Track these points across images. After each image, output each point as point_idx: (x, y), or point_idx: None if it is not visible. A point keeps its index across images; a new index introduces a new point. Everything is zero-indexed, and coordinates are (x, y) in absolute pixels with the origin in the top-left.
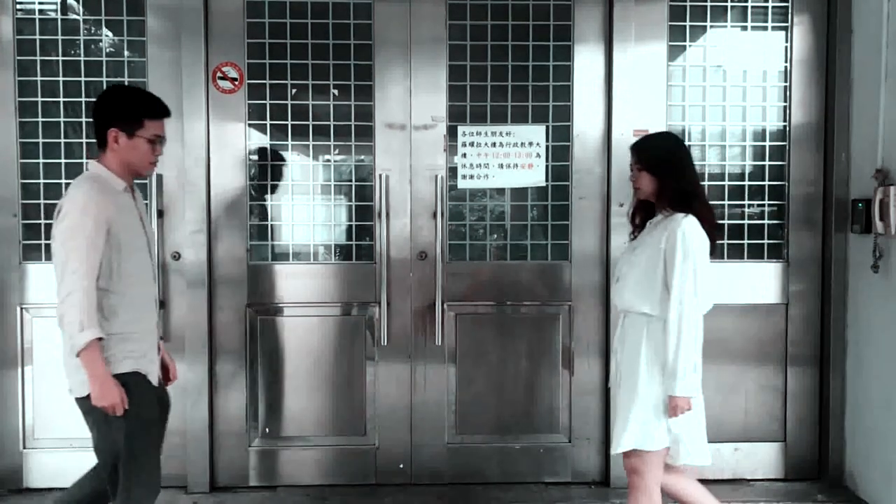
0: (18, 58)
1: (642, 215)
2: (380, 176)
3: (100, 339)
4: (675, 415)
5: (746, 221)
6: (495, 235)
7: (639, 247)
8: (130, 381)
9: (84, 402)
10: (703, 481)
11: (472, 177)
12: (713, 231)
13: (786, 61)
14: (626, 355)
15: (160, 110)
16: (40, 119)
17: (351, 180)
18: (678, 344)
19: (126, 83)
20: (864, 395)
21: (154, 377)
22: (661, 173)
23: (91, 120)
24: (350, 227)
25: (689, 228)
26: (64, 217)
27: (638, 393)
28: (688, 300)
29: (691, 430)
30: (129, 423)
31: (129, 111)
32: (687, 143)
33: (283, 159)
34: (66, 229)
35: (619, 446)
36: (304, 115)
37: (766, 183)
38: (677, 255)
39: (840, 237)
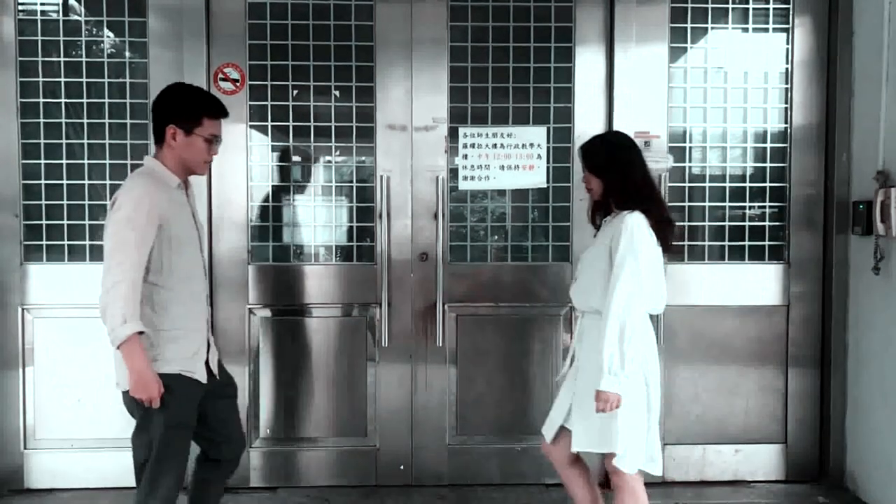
0: (20, 59)
1: (601, 215)
2: (381, 177)
3: (141, 332)
4: (602, 409)
5: (747, 223)
6: (496, 236)
7: (591, 247)
8: (174, 383)
9: (129, 397)
10: (704, 483)
11: (472, 178)
12: (665, 228)
13: (787, 63)
14: (583, 354)
15: (219, 110)
16: (42, 120)
17: (352, 181)
18: (607, 338)
19: (127, 84)
20: (865, 396)
21: (202, 375)
22: (606, 174)
23: (92, 121)
24: (351, 227)
25: (632, 225)
26: (118, 209)
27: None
28: (620, 296)
29: (633, 432)
30: (167, 422)
31: (189, 109)
32: (688, 144)
33: (284, 160)
34: (119, 220)
35: (579, 445)
36: (305, 117)
37: (767, 184)
38: (620, 249)
39: (841, 239)
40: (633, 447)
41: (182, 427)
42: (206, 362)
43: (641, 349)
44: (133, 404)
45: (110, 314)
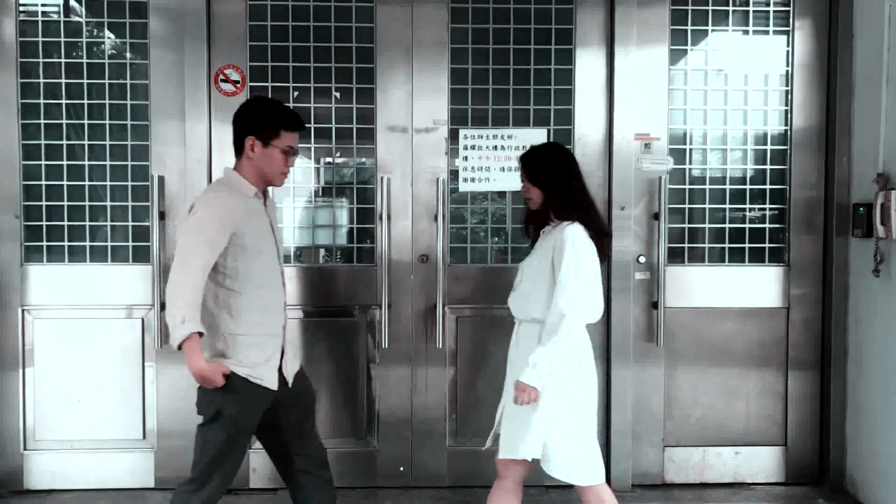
0: (21, 60)
1: (534, 225)
2: (381, 178)
3: (200, 333)
4: (517, 400)
5: (748, 225)
6: (496, 238)
7: (531, 256)
8: (242, 388)
9: (198, 394)
10: (704, 485)
11: (473, 180)
12: (602, 239)
13: (787, 65)
14: (518, 362)
15: (296, 123)
16: (42, 121)
17: (352, 183)
18: (546, 337)
19: (128, 86)
20: (865, 399)
21: (272, 382)
22: (546, 185)
23: (93, 122)
24: (351, 229)
25: (575, 235)
26: (193, 214)
27: (541, 400)
28: (563, 305)
29: (563, 441)
30: (229, 426)
31: (268, 122)
32: (688, 146)
33: None
34: (192, 224)
35: (505, 452)
36: (306, 118)
37: (768, 187)
38: (564, 259)
39: (841, 241)
40: (565, 456)
41: (241, 433)
42: (281, 369)
43: (576, 357)
44: (202, 402)
45: (171, 314)
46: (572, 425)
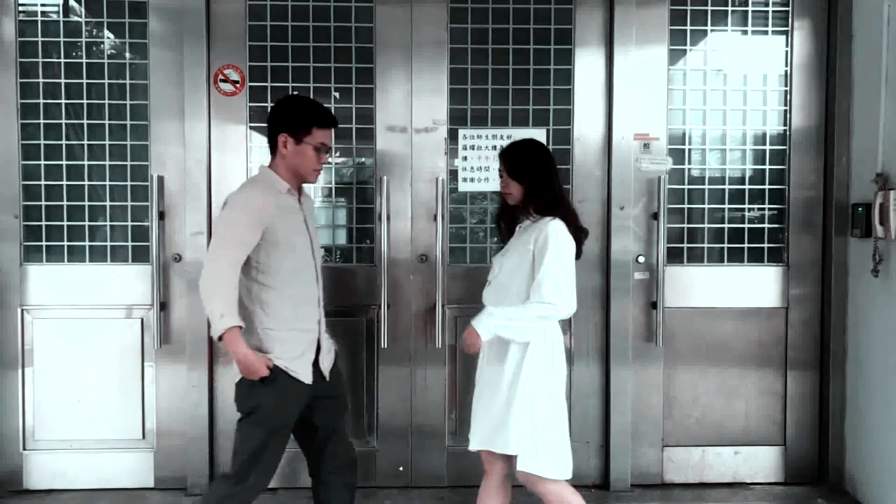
0: (20, 60)
1: (507, 220)
2: (381, 178)
3: (239, 327)
4: (462, 342)
5: (747, 225)
6: (496, 238)
7: (509, 251)
8: (278, 380)
9: (237, 388)
10: (704, 485)
11: (472, 179)
12: (579, 236)
13: (786, 65)
14: (490, 354)
15: (329, 120)
16: (42, 121)
17: (352, 183)
18: (521, 312)
19: (127, 85)
20: (865, 398)
21: (306, 376)
22: (527, 180)
23: (92, 122)
24: (351, 229)
25: (557, 231)
26: (226, 210)
27: (516, 395)
28: (552, 292)
29: (541, 433)
30: (267, 421)
31: (300, 119)
32: (687, 146)
33: None
34: (222, 220)
35: (477, 443)
36: None
37: (767, 187)
38: (546, 254)
39: (840, 241)
40: (542, 451)
41: (278, 428)
42: (318, 364)
43: (550, 350)
44: (240, 397)
45: (208, 310)
46: (549, 418)
